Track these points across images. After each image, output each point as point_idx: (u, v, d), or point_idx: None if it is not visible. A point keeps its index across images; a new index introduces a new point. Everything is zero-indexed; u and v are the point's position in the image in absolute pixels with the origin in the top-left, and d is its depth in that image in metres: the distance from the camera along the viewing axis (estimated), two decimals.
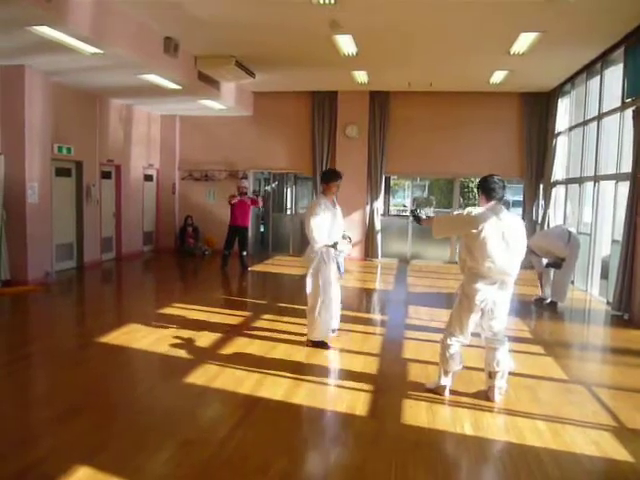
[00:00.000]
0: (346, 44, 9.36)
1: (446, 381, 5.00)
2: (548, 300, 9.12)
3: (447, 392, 4.99)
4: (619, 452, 3.99)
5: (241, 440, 4.09)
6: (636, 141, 8.16)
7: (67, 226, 11.59)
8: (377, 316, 8.82)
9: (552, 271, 9.08)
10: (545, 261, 9.01)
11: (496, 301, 4.76)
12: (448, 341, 4.90)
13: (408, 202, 23.23)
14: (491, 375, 4.87)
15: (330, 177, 6.42)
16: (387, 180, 14.83)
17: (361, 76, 11.98)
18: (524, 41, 8.90)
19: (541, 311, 8.85)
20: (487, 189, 4.81)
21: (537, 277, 9.49)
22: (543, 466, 3.78)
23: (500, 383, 4.87)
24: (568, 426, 4.41)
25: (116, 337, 6.69)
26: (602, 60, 9.87)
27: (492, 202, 4.77)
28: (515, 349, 6.58)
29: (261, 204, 12.81)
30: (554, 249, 8.80)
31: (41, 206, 10.02)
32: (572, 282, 10.87)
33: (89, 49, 7.91)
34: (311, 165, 14.32)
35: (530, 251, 8.84)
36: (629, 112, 8.52)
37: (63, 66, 9.29)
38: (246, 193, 12.29)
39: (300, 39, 9.31)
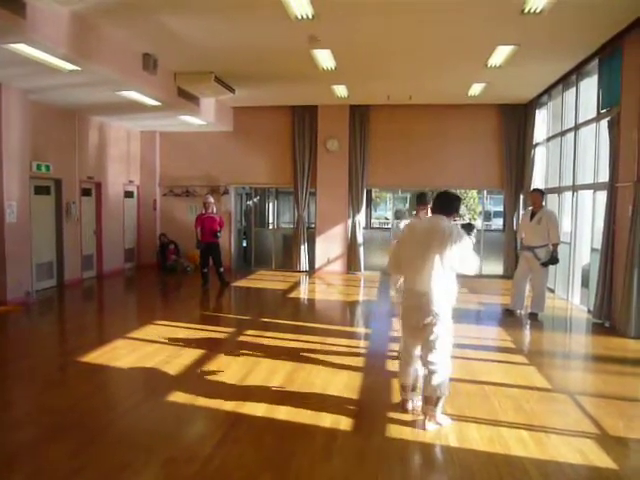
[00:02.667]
0: (325, 59, 9.42)
1: (403, 395, 4.96)
2: (518, 312, 9.12)
3: (408, 406, 4.91)
4: (602, 460, 4.01)
5: (225, 457, 4.04)
6: (612, 151, 8.29)
7: (47, 245, 11.47)
8: (361, 329, 8.81)
9: (528, 284, 9.10)
10: (541, 257, 8.86)
11: (421, 325, 4.57)
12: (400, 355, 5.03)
13: (390, 215, 23.30)
14: (427, 400, 4.59)
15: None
16: (369, 193, 14.89)
17: (341, 90, 12.05)
18: (500, 54, 9.03)
19: (523, 321, 8.88)
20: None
21: (512, 286, 9.42)
22: (528, 476, 3.78)
23: (432, 410, 4.56)
24: (552, 435, 4.43)
25: (98, 356, 6.61)
26: (577, 72, 10.03)
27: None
28: (498, 359, 6.67)
29: (223, 226, 12.45)
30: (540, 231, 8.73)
31: (20, 225, 9.90)
32: (553, 291, 10.99)
33: (67, 66, 7.88)
34: (292, 179, 14.33)
35: (528, 249, 8.88)
36: (604, 122, 8.66)
37: (41, 83, 9.24)
38: (212, 210, 12.11)
39: (279, 54, 9.35)
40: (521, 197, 13.40)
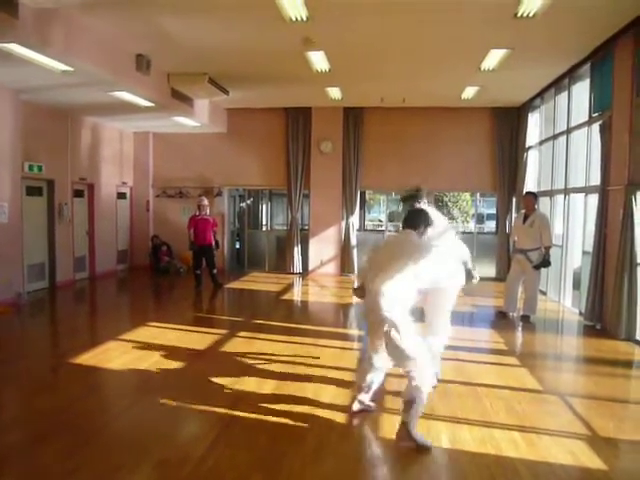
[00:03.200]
0: (319, 61, 9.43)
1: (361, 396, 4.91)
2: (510, 314, 9.15)
3: (354, 406, 4.88)
4: (593, 460, 4.03)
5: (218, 458, 4.04)
6: (603, 154, 8.33)
7: (39, 246, 11.42)
8: (354, 331, 8.82)
9: (520, 286, 9.14)
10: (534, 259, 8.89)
11: (380, 331, 4.41)
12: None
13: (383, 217, 23.33)
14: (404, 406, 4.32)
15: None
16: (362, 195, 14.90)
17: (334, 92, 12.07)
18: (494, 57, 9.07)
19: (515, 323, 8.92)
20: None
21: (505, 289, 9.47)
22: (519, 477, 3.80)
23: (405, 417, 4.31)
24: (543, 436, 4.44)
25: (90, 358, 6.58)
26: (570, 76, 10.09)
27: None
28: (490, 361, 6.70)
29: (217, 227, 12.50)
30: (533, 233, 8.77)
31: (11, 226, 9.86)
32: (545, 293, 11.03)
33: (59, 67, 7.85)
34: (286, 181, 14.33)
35: (520, 252, 8.92)
36: (596, 126, 8.71)
37: (33, 84, 9.21)
38: (206, 212, 12.07)
39: (273, 56, 9.35)
40: (514, 200, 13.44)
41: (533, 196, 9.14)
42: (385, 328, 4.31)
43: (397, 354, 4.34)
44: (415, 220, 4.72)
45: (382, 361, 4.62)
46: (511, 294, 9.17)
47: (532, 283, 8.92)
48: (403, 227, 4.77)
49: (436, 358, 5.42)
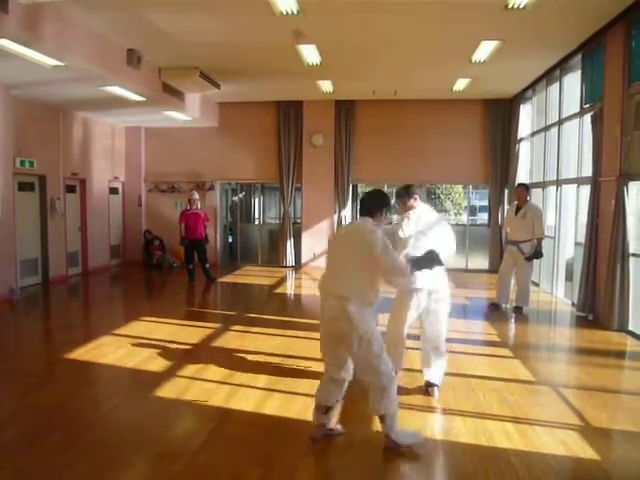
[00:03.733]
0: (310, 54, 9.41)
1: (314, 418, 4.61)
2: (503, 306, 9.22)
3: (316, 434, 4.31)
4: (585, 451, 4.07)
5: (213, 453, 4.05)
6: (595, 146, 8.36)
7: (31, 241, 11.38)
8: None
9: (513, 278, 9.19)
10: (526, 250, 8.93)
11: (334, 337, 4.10)
12: None
13: None
14: (380, 419, 4.11)
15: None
16: (354, 188, 14.89)
17: (326, 85, 12.05)
18: (485, 49, 9.07)
19: (508, 315, 8.96)
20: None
21: (498, 280, 9.53)
22: (512, 467, 3.83)
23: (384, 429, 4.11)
24: (536, 427, 4.48)
25: (83, 353, 6.57)
26: (561, 67, 10.10)
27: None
28: (483, 353, 6.74)
29: (208, 221, 12.50)
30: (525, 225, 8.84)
31: (3, 222, 9.81)
32: (537, 285, 11.09)
33: (50, 62, 7.81)
34: (278, 175, 14.32)
35: (512, 243, 8.97)
36: (588, 117, 8.74)
37: (24, 79, 9.16)
38: (197, 206, 12.03)
39: (264, 50, 9.32)
40: (506, 192, 13.47)
41: (525, 188, 9.17)
42: (350, 339, 3.94)
43: (363, 366, 4.06)
44: (370, 205, 4.23)
45: (343, 373, 4.22)
46: (504, 285, 9.22)
47: (524, 275, 8.96)
48: (360, 214, 4.29)
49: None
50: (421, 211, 5.33)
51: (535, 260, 9.08)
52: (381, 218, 4.20)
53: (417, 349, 6.39)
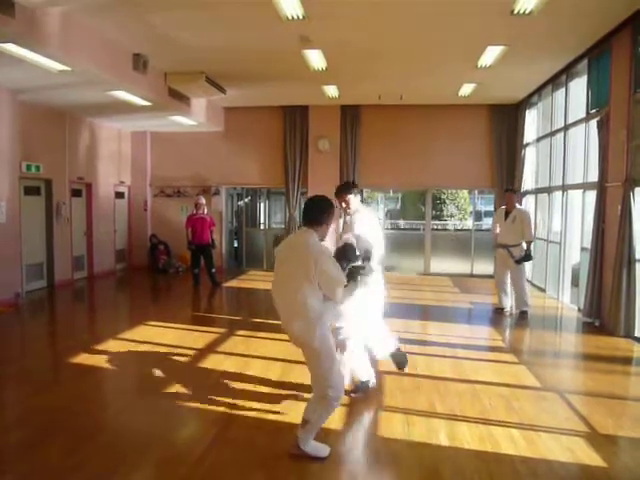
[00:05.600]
0: (316, 59, 9.43)
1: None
2: (507, 309, 9.27)
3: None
4: (592, 458, 4.04)
5: (217, 457, 4.05)
6: (601, 151, 8.33)
7: (37, 245, 11.41)
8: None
9: (509, 281, 9.20)
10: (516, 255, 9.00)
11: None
12: None
13: (382, 215, 23.35)
14: (302, 423, 4.09)
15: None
16: (360, 193, 14.88)
17: (331, 90, 12.06)
18: (491, 54, 9.07)
19: (513, 320, 8.94)
20: None
21: (495, 285, 9.60)
22: (518, 474, 3.81)
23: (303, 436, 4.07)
24: (542, 433, 4.45)
25: (89, 357, 6.58)
26: (567, 72, 10.09)
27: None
28: (488, 358, 6.70)
29: (214, 226, 12.49)
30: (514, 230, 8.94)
31: (9, 226, 9.85)
32: (544, 290, 11.06)
33: (56, 66, 7.85)
34: (283, 179, 14.33)
35: (503, 247, 8.99)
36: (593, 123, 8.71)
37: (30, 83, 9.19)
38: (203, 210, 12.07)
39: (270, 54, 9.34)
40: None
41: (513, 193, 9.40)
42: (302, 348, 4.05)
43: (313, 376, 4.10)
44: (311, 213, 4.09)
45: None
46: (503, 289, 9.33)
47: (518, 278, 9.07)
48: (303, 223, 4.16)
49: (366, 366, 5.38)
50: (364, 211, 5.48)
51: (526, 262, 9.18)
52: (328, 226, 4.12)
53: (420, 354, 6.41)
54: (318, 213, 4.07)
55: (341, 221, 5.70)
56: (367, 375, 5.34)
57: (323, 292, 3.94)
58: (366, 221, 5.34)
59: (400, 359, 5.57)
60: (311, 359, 4.04)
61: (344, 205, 5.50)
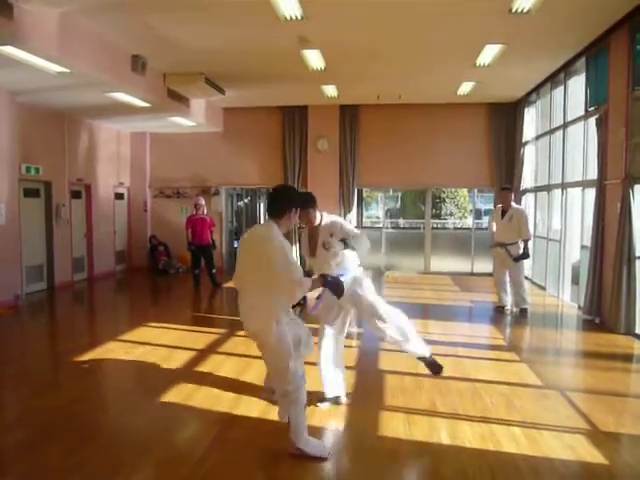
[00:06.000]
0: (314, 59, 9.43)
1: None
2: (507, 307, 9.28)
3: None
4: (593, 455, 4.04)
5: (218, 458, 4.04)
6: (600, 148, 8.34)
7: (37, 247, 11.41)
8: (352, 328, 8.80)
9: (508, 280, 9.20)
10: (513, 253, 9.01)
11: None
12: None
13: (381, 214, 23.30)
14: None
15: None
16: (359, 192, 14.91)
17: (330, 90, 12.06)
18: (489, 53, 9.07)
19: (513, 318, 8.94)
20: None
21: (494, 284, 9.61)
22: (519, 472, 3.81)
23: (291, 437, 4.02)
24: (543, 431, 4.45)
25: (89, 358, 6.57)
26: (565, 70, 10.10)
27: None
28: (489, 356, 6.71)
29: (214, 226, 12.50)
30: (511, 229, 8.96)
31: (9, 228, 9.85)
32: (544, 288, 11.07)
33: (55, 68, 7.85)
34: (283, 180, 14.29)
35: (500, 245, 9.01)
36: (592, 120, 8.72)
37: (29, 85, 9.19)
38: (203, 211, 12.07)
39: (269, 55, 9.34)
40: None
41: (509, 191, 9.38)
42: (258, 342, 4.01)
43: (271, 372, 4.10)
44: (272, 204, 3.99)
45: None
46: (503, 287, 9.34)
47: (517, 276, 9.07)
48: (268, 214, 4.02)
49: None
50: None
51: (525, 260, 9.18)
52: (291, 218, 3.99)
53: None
54: (279, 204, 3.96)
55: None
56: (336, 391, 5.10)
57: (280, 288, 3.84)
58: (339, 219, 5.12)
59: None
60: (267, 356, 4.01)
61: (307, 221, 5.04)
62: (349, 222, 5.26)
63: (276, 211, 3.93)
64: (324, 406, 4.98)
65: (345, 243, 4.77)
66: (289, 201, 3.98)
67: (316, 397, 4.92)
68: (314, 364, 4.98)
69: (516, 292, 9.10)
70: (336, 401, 5.04)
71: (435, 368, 5.14)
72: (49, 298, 11.14)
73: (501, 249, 9.08)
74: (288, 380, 3.93)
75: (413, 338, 4.99)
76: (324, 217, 5.07)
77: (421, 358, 5.13)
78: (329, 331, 5.05)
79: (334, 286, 4.08)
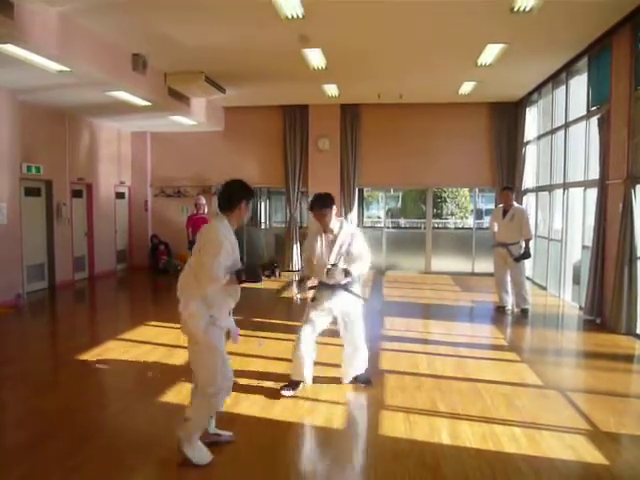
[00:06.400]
0: (315, 58, 9.42)
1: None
2: (508, 307, 9.25)
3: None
4: (594, 455, 4.04)
5: (218, 457, 4.02)
6: (602, 148, 8.32)
7: (38, 246, 11.41)
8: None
9: (509, 280, 9.18)
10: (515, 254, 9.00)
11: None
12: None
13: (382, 214, 23.28)
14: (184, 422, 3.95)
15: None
16: (360, 192, 14.89)
17: (331, 89, 12.05)
18: (491, 53, 9.06)
19: (514, 318, 8.92)
20: None
21: (495, 284, 9.57)
22: (520, 472, 3.80)
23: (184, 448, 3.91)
24: (544, 431, 4.44)
25: (90, 357, 6.57)
26: (567, 70, 10.08)
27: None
28: (490, 356, 6.70)
29: None
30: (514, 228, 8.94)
31: (10, 227, 9.86)
32: (545, 288, 11.06)
33: (56, 67, 7.84)
34: (284, 179, 14.32)
35: (502, 245, 8.99)
36: (594, 120, 8.70)
37: (30, 84, 9.19)
38: (203, 210, 12.05)
39: (270, 54, 9.33)
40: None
41: (510, 191, 9.34)
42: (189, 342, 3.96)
43: (194, 371, 4.02)
44: (221, 198, 3.98)
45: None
46: (504, 287, 9.30)
47: (518, 276, 9.05)
48: (219, 209, 4.02)
49: None
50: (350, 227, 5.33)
51: (526, 260, 9.16)
52: (241, 212, 3.95)
53: (422, 353, 6.40)
54: (228, 198, 3.95)
55: (318, 242, 5.23)
56: (304, 375, 5.22)
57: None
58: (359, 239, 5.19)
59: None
60: (194, 352, 3.94)
61: (321, 221, 5.04)
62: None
63: (223, 205, 3.94)
64: (288, 393, 5.11)
65: (346, 273, 4.96)
66: (238, 195, 3.94)
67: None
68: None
69: (517, 292, 9.08)
70: (301, 386, 5.23)
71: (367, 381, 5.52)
72: (50, 297, 11.14)
73: (502, 249, 9.05)
74: (211, 382, 3.88)
75: (357, 368, 5.46)
76: (344, 224, 5.14)
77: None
78: (314, 317, 5.33)
79: (250, 280, 3.92)
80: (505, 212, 9.07)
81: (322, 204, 5.05)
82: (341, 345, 5.75)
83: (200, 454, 3.91)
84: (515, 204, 9.25)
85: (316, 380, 5.57)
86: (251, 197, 4.01)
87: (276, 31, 8.04)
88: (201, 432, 3.98)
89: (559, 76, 10.58)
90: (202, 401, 3.93)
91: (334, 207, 5.11)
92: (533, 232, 9.77)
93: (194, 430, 3.91)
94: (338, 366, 5.79)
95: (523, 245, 8.85)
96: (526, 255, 8.91)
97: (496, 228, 9.23)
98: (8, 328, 8.58)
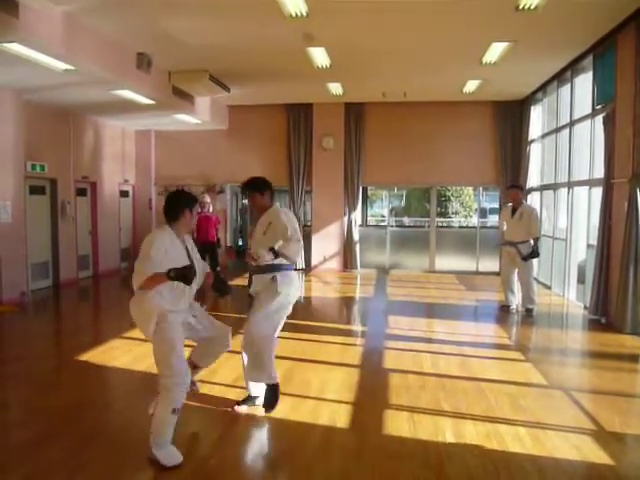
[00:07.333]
0: (320, 56, 9.41)
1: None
2: (513, 307, 9.20)
3: None
4: (599, 455, 4.02)
5: (222, 456, 4.04)
6: (607, 147, 8.29)
7: (42, 245, 11.43)
8: (357, 327, 8.80)
9: (516, 279, 9.15)
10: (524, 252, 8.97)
11: None
12: None
13: (386, 212, 23.34)
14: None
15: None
16: (364, 190, 14.88)
17: (336, 88, 12.04)
18: (495, 51, 9.03)
19: (519, 317, 8.90)
20: None
21: (501, 283, 9.53)
22: (524, 472, 3.79)
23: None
24: (549, 431, 4.43)
25: (93, 356, 6.59)
26: (572, 68, 10.04)
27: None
28: (494, 356, 6.68)
29: (219, 224, 12.50)
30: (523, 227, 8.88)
31: (15, 225, 9.88)
32: (549, 287, 11.03)
33: (60, 65, 7.85)
34: (288, 178, 14.31)
35: (510, 244, 8.96)
36: (599, 118, 8.67)
37: (35, 83, 9.20)
38: (208, 209, 12.06)
39: (274, 52, 9.32)
40: (521, 193, 13.39)
41: (519, 189, 9.31)
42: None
43: (155, 361, 4.02)
44: (165, 208, 4.36)
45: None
46: (510, 286, 9.25)
47: (526, 275, 9.01)
48: (166, 220, 4.39)
49: None
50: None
51: (533, 259, 9.12)
52: (187, 219, 4.31)
53: (426, 352, 6.38)
54: (171, 209, 4.26)
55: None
56: (258, 391, 5.00)
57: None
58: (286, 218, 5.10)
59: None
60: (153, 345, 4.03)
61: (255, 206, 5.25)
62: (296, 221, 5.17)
63: (171, 215, 4.25)
64: (242, 409, 4.85)
65: (274, 252, 4.87)
66: (181, 205, 4.22)
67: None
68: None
69: (524, 292, 9.03)
70: (253, 402, 4.93)
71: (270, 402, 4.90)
72: (54, 295, 11.17)
73: (511, 248, 9.00)
74: (164, 374, 3.91)
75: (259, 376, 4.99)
76: (278, 208, 5.22)
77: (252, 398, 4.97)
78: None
79: (181, 278, 4.10)
80: (514, 210, 9.01)
81: (252, 188, 5.26)
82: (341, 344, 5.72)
83: (163, 454, 3.86)
84: (524, 202, 9.21)
85: (321, 377, 5.56)
86: (193, 205, 4.24)
87: (280, 29, 8.03)
88: (168, 432, 3.91)
89: (564, 74, 10.54)
90: (163, 395, 3.94)
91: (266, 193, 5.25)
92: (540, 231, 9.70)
93: (160, 432, 3.87)
94: (345, 365, 5.79)
95: (532, 244, 8.81)
96: (535, 254, 8.86)
97: (505, 227, 9.20)
98: (12, 326, 8.59)
